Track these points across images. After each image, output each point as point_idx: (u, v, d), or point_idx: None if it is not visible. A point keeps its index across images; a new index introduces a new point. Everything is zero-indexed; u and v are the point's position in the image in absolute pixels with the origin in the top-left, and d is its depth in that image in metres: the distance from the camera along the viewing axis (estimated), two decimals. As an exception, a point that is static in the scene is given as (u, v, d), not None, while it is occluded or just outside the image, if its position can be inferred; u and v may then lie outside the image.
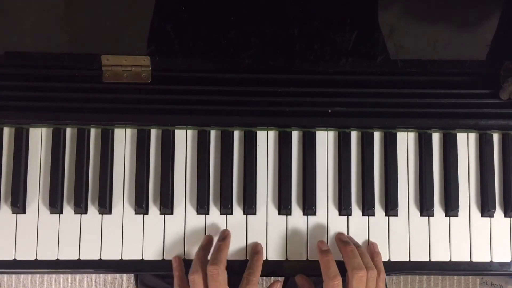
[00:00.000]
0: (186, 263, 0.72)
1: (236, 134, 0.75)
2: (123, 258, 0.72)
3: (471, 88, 0.74)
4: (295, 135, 0.75)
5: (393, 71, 0.74)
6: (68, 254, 0.72)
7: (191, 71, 0.73)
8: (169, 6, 0.69)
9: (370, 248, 0.72)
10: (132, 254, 0.72)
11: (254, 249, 0.71)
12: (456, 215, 0.74)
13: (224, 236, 0.71)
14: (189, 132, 0.75)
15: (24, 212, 0.73)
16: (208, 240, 0.71)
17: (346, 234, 0.73)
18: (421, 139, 0.75)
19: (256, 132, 0.74)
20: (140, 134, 0.74)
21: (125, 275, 1.46)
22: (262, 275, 0.67)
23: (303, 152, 0.74)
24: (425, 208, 0.73)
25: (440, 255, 0.73)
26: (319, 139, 0.75)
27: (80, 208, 0.72)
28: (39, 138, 0.74)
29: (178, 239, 0.73)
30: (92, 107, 0.72)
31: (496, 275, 1.23)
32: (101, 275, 1.46)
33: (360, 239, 0.73)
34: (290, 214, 0.74)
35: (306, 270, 0.73)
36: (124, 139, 0.74)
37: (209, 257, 0.68)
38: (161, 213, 0.73)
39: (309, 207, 0.73)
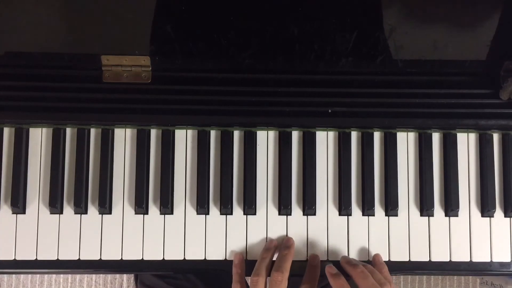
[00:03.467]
0: (186, 263, 0.72)
1: (236, 134, 0.75)
2: (123, 258, 0.72)
3: (471, 88, 0.74)
4: (295, 135, 0.75)
5: (393, 71, 0.74)
6: (68, 254, 0.72)
7: (191, 71, 0.73)
8: (169, 6, 0.69)
9: (375, 260, 0.72)
10: (132, 254, 0.72)
11: (312, 262, 0.71)
12: (456, 215, 0.74)
13: (289, 245, 0.71)
14: (189, 132, 0.75)
15: (24, 212, 0.73)
16: (273, 244, 0.71)
17: (346, 235, 0.73)
18: (421, 139, 0.75)
19: (256, 132, 0.74)
20: (140, 134, 0.74)
21: (125, 275, 1.46)
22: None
23: (303, 152, 0.74)
24: (425, 208, 0.73)
25: (440, 255, 0.73)
26: (319, 139, 0.75)
27: (80, 208, 0.72)
28: (39, 138, 0.74)
29: (178, 239, 0.73)
30: (92, 107, 0.72)
31: (496, 275, 1.23)
32: (101, 275, 1.46)
33: (360, 239, 0.73)
34: (290, 214, 0.74)
35: (306, 270, 0.73)
36: (124, 139, 0.74)
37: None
38: (161, 213, 0.73)
39: (309, 207, 0.73)
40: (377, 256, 0.72)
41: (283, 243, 0.72)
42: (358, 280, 0.65)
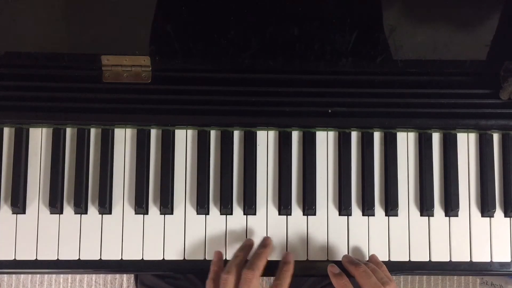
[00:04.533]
0: (187, 263, 0.72)
1: (236, 134, 0.75)
2: (123, 258, 0.72)
3: (471, 88, 0.74)
4: (295, 135, 0.75)
5: (393, 71, 0.74)
6: (68, 254, 0.72)
7: (191, 71, 0.73)
8: (169, 6, 0.69)
9: (372, 260, 0.72)
10: (132, 254, 0.72)
11: (285, 259, 0.70)
12: (456, 215, 0.74)
13: (266, 244, 0.70)
14: (189, 132, 0.75)
15: (24, 212, 0.73)
16: (249, 244, 0.71)
17: (346, 235, 0.73)
18: (421, 139, 0.75)
19: (256, 132, 0.74)
20: (140, 134, 0.74)
21: (125, 275, 1.46)
22: (261, 275, 0.67)
23: (303, 152, 0.74)
24: (425, 208, 0.73)
25: (440, 255, 0.73)
26: (319, 139, 0.75)
27: (80, 208, 0.72)
28: (39, 138, 0.74)
29: (178, 239, 0.73)
30: (92, 107, 0.72)
31: (496, 275, 1.23)
32: (101, 275, 1.46)
33: (360, 239, 0.73)
34: (290, 214, 0.74)
35: (306, 270, 0.73)
36: (124, 139, 0.74)
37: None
38: (161, 213, 0.73)
39: (309, 207, 0.73)
40: (374, 256, 0.72)
41: (261, 242, 0.71)
42: (361, 280, 0.65)
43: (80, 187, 0.72)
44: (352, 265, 0.67)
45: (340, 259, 0.72)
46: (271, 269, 0.71)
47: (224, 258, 0.72)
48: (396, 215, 0.74)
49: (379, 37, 0.71)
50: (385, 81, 0.74)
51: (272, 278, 0.69)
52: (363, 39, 0.70)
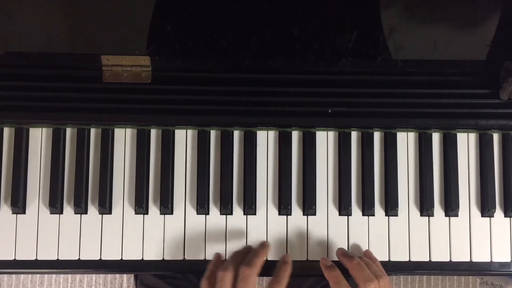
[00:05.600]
0: (186, 263, 0.72)
1: (236, 134, 0.75)
2: (123, 258, 0.72)
3: (471, 88, 0.74)
4: (295, 135, 0.75)
5: (393, 71, 0.73)
6: (68, 254, 0.72)
7: (191, 71, 0.73)
8: (169, 6, 0.69)
9: (366, 255, 0.72)
10: (132, 254, 0.72)
11: (283, 259, 0.70)
12: (456, 215, 0.74)
13: (265, 244, 0.70)
14: (189, 132, 0.75)
15: (24, 212, 0.73)
16: (247, 248, 0.71)
17: (346, 235, 0.73)
18: (421, 139, 0.75)
19: (256, 132, 0.74)
20: (140, 134, 0.74)
21: (125, 275, 1.46)
22: (261, 275, 0.67)
23: (303, 152, 0.74)
24: (425, 208, 0.73)
25: (440, 255, 0.73)
26: (319, 139, 0.75)
27: (80, 208, 0.72)
28: (39, 138, 0.74)
29: (178, 239, 0.73)
30: (92, 107, 0.72)
31: (496, 275, 1.23)
32: (101, 275, 1.46)
33: (360, 239, 0.73)
34: (290, 214, 0.74)
35: (306, 270, 0.73)
36: (124, 139, 0.74)
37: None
38: (161, 213, 0.73)
39: (309, 207, 0.73)
40: (368, 251, 0.72)
41: (260, 243, 0.71)
42: (354, 272, 0.65)
43: (80, 187, 0.72)
44: (346, 258, 0.68)
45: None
46: (269, 269, 0.71)
47: (225, 258, 0.72)
48: (396, 215, 0.74)
49: (379, 37, 0.71)
50: (385, 81, 0.74)
51: (269, 278, 0.68)
52: (363, 39, 0.70)
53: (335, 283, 0.66)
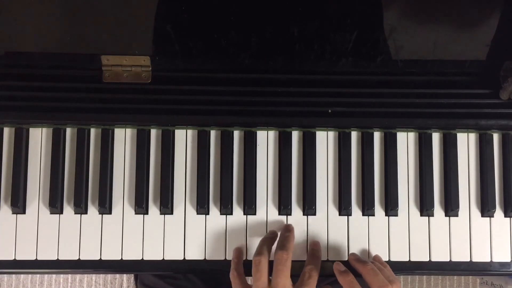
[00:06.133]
0: (186, 263, 0.72)
1: (236, 134, 0.75)
2: (123, 258, 0.72)
3: (471, 88, 0.74)
4: (295, 135, 0.75)
5: (393, 71, 0.74)
6: (68, 254, 0.72)
7: (191, 71, 0.73)
8: (169, 6, 0.69)
9: (375, 260, 0.72)
10: (132, 254, 0.72)
11: (286, 227, 0.71)
12: (456, 215, 0.74)
13: (290, 228, 0.71)
14: (189, 132, 0.75)
15: (24, 212, 0.73)
16: (274, 233, 0.72)
17: (346, 235, 0.73)
18: (421, 139, 0.75)
19: (256, 132, 0.74)
20: (140, 134, 0.74)
21: (125, 275, 1.46)
22: None
23: (303, 152, 0.74)
24: (425, 208, 0.73)
25: (440, 255, 0.73)
26: (319, 139, 0.75)
27: (80, 208, 0.72)
28: (39, 138, 0.74)
29: (178, 239, 0.73)
30: (92, 107, 0.72)
31: (496, 275, 1.23)
32: (101, 275, 1.46)
33: (360, 239, 0.73)
34: (290, 214, 0.74)
35: (306, 270, 0.73)
36: (124, 139, 0.74)
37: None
38: (161, 213, 0.73)
39: (309, 207, 0.73)
40: (377, 256, 0.72)
41: (284, 228, 0.72)
42: (369, 277, 0.65)
43: (80, 187, 0.72)
44: (360, 263, 0.68)
45: (340, 259, 0.72)
46: (271, 268, 0.71)
47: (224, 258, 0.72)
48: (396, 215, 0.74)
49: (379, 37, 0.71)
50: (385, 81, 0.74)
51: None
52: (363, 39, 0.70)
53: None
